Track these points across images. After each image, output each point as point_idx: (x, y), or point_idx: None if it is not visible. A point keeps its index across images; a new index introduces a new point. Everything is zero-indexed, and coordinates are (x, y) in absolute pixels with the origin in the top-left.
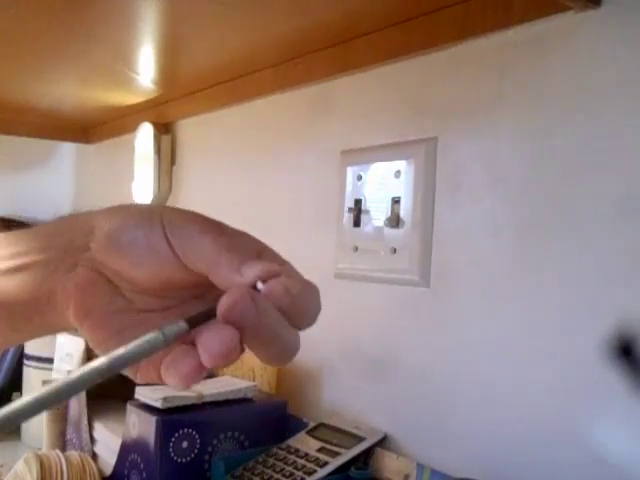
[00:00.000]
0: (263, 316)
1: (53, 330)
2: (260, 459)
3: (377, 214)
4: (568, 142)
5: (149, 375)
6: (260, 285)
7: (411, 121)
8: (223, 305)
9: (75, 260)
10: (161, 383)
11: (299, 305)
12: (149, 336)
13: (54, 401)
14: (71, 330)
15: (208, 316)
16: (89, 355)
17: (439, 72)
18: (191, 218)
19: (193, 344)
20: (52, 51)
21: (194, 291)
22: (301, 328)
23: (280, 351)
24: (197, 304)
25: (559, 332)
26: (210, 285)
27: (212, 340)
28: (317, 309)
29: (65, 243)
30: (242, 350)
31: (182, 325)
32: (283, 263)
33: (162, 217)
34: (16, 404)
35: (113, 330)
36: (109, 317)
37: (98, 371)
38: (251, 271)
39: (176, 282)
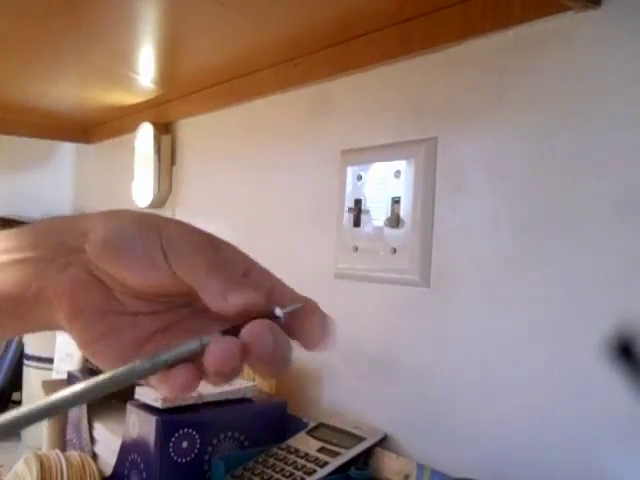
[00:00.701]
0: (279, 347)
1: (41, 328)
2: (260, 459)
3: (377, 214)
4: (568, 142)
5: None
6: (279, 312)
7: (411, 121)
8: (245, 336)
9: (68, 261)
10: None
11: (311, 334)
12: (191, 344)
13: (98, 392)
14: (59, 328)
15: (239, 330)
16: None
17: (439, 72)
18: (187, 233)
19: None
20: (52, 51)
21: (183, 299)
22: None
23: (282, 370)
24: (185, 311)
25: (559, 332)
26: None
27: (217, 348)
28: (324, 326)
29: (58, 242)
30: (242, 368)
31: (219, 336)
32: (274, 281)
33: (160, 229)
34: (61, 394)
35: (102, 331)
36: (99, 318)
37: (140, 371)
38: (235, 300)
39: (167, 289)
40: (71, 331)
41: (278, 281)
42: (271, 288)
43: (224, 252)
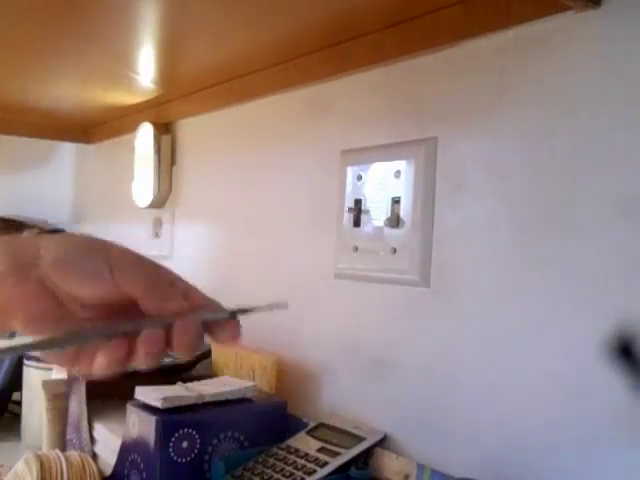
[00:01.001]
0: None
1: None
2: (260, 459)
3: (377, 214)
4: (568, 142)
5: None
6: (211, 315)
7: (411, 121)
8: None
9: (26, 274)
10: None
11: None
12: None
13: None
14: (15, 331)
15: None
16: None
17: (439, 72)
18: (129, 253)
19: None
20: (52, 52)
21: (122, 308)
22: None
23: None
24: (123, 318)
25: (559, 332)
26: (135, 304)
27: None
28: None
29: (17, 259)
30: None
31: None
32: (189, 286)
33: (106, 250)
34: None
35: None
36: (51, 324)
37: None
38: (170, 307)
39: (110, 299)
40: (25, 335)
41: (192, 287)
42: (187, 292)
43: (156, 268)
